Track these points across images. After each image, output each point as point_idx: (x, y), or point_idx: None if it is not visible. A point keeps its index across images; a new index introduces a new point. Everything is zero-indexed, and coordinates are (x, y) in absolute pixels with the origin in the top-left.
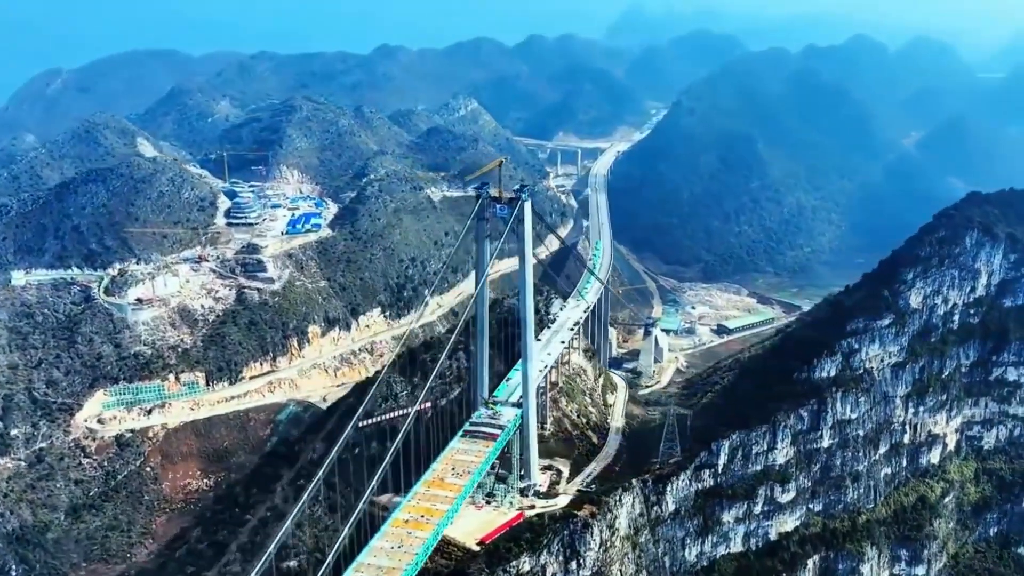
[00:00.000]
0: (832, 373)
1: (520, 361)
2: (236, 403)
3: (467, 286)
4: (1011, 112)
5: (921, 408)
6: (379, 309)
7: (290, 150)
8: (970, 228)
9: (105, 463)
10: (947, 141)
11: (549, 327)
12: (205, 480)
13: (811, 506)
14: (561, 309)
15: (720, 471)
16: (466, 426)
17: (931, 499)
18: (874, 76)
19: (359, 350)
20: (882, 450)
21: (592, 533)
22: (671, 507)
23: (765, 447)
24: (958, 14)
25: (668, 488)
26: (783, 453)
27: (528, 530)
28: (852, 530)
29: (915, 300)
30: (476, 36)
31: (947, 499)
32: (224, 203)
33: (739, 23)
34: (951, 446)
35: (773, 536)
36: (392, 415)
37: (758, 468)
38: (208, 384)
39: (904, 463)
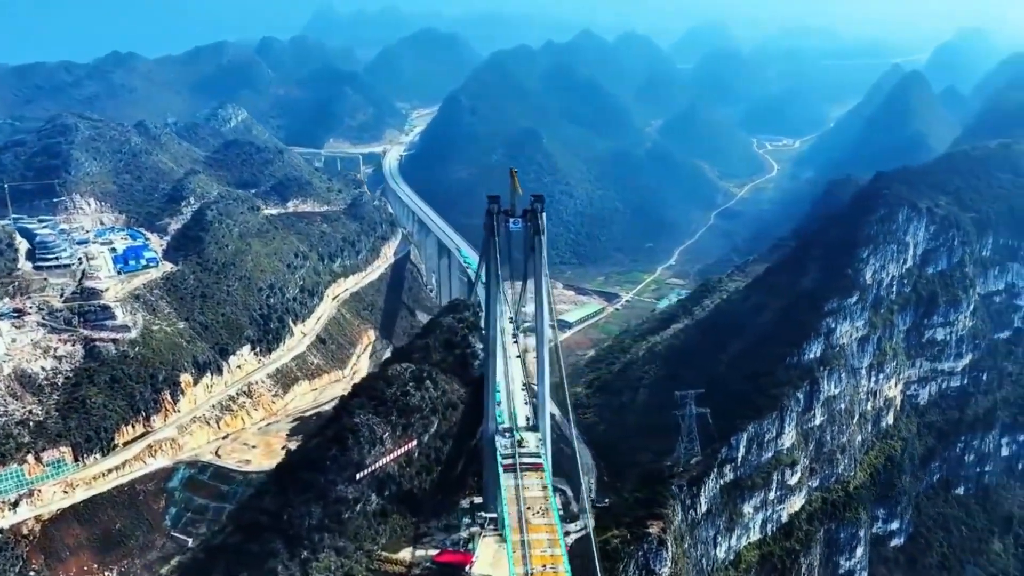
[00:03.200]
0: (818, 354)
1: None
2: (116, 476)
3: (323, 308)
4: (710, 96)
5: (881, 376)
6: (248, 346)
7: (81, 176)
8: (901, 205)
9: None
10: (683, 127)
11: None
12: (107, 574)
13: (811, 483)
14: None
15: (739, 464)
16: (501, 460)
17: (896, 458)
18: (609, 69)
19: (237, 395)
20: (855, 419)
21: (667, 549)
22: (703, 508)
23: (775, 433)
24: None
25: (702, 489)
26: (789, 437)
27: (603, 557)
28: (847, 499)
29: (869, 276)
30: (215, 40)
31: (904, 455)
32: (23, 244)
33: (431, 20)
34: (897, 406)
35: (785, 518)
36: (386, 460)
37: (770, 455)
38: (77, 460)
39: (870, 428)
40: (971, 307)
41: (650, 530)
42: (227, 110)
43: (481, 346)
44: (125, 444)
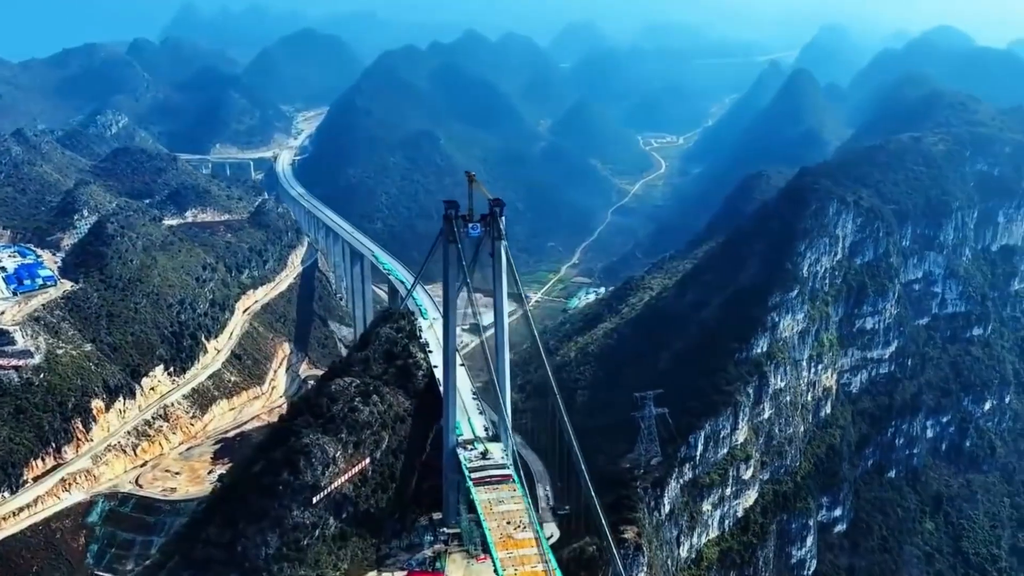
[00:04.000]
0: (765, 348)
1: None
2: (28, 515)
3: (235, 322)
4: (591, 95)
5: (820, 367)
6: (161, 366)
7: None
8: (831, 199)
9: None
10: (572, 126)
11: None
12: None
13: (762, 476)
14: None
15: (697, 462)
16: (469, 474)
17: (836, 446)
18: (495, 69)
19: (153, 419)
20: (798, 411)
21: (643, 554)
22: (667, 508)
23: (730, 429)
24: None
25: (666, 490)
26: (743, 432)
27: (581, 567)
28: (796, 490)
29: (805, 269)
30: (85, 42)
31: (842, 443)
32: None
33: (297, 19)
34: (833, 395)
35: (740, 513)
36: (342, 480)
37: (724, 451)
38: None
39: (811, 419)
40: (896, 296)
41: (625, 536)
42: (107, 116)
43: (422, 356)
44: (36, 479)
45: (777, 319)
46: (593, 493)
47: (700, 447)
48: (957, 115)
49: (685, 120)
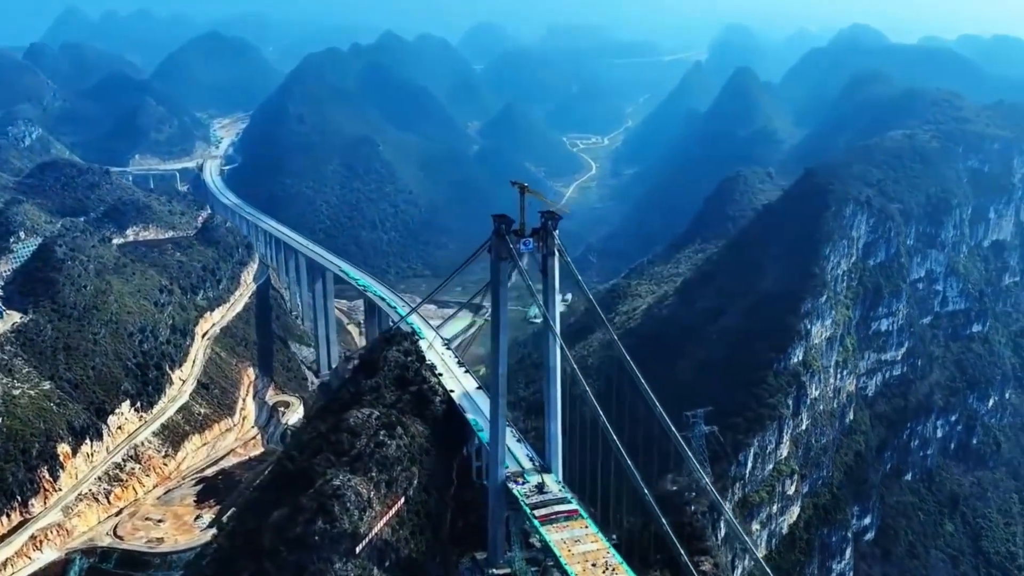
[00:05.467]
0: (801, 357)
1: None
2: None
3: (197, 348)
4: (511, 97)
5: (844, 372)
6: (128, 401)
7: None
8: (847, 200)
9: None
10: (502, 129)
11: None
12: None
13: (803, 489)
14: None
15: (747, 480)
16: (531, 511)
17: (863, 453)
18: (416, 71)
19: (123, 461)
20: (829, 419)
21: None
22: (722, 532)
23: (774, 444)
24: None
25: (720, 517)
26: (786, 446)
27: None
28: (834, 501)
29: (828, 273)
30: None
31: (867, 449)
32: None
33: (187, 22)
34: (855, 401)
35: (786, 530)
36: (381, 524)
37: (771, 466)
38: None
39: (837, 425)
40: (906, 296)
41: (703, 567)
42: (18, 127)
43: (436, 380)
44: (2, 538)
45: (809, 326)
46: (664, 520)
47: (750, 464)
48: (943, 112)
49: (604, 121)
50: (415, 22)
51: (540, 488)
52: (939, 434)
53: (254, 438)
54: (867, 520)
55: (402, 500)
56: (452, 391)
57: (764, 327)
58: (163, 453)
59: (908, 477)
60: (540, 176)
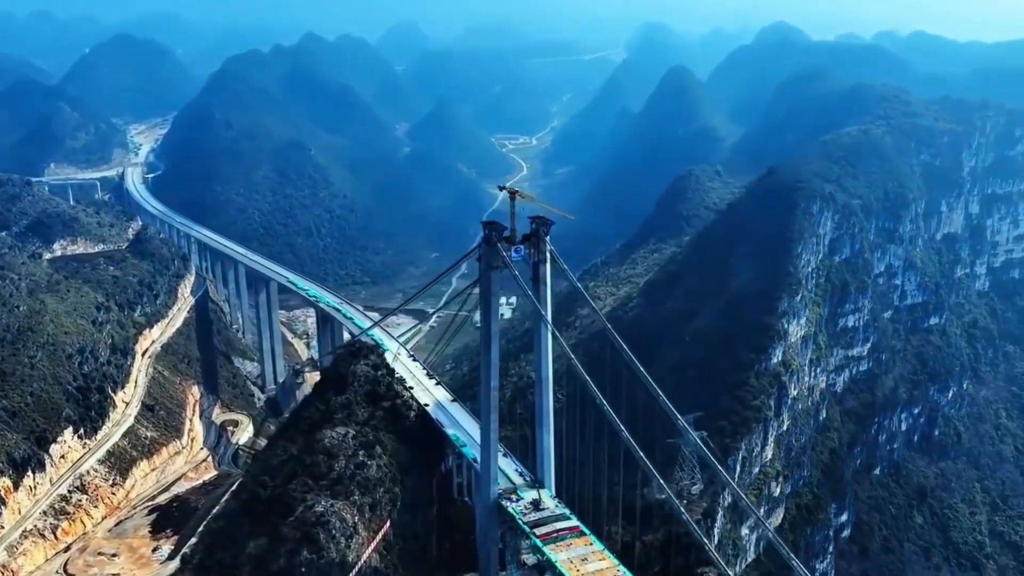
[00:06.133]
0: (780, 357)
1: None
2: None
3: (138, 367)
4: (434, 98)
5: (818, 370)
6: (70, 428)
7: None
8: (815, 197)
9: None
10: (432, 130)
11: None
12: None
13: (786, 490)
14: None
15: (736, 484)
16: (530, 530)
17: (837, 450)
18: (341, 73)
19: (69, 492)
20: (805, 417)
21: None
22: (716, 539)
23: (760, 446)
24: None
25: (716, 521)
26: (771, 448)
27: None
28: (816, 501)
29: (801, 272)
30: None
31: (840, 446)
32: None
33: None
34: (827, 398)
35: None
36: (368, 552)
37: (756, 470)
38: None
39: (811, 423)
40: (870, 291)
41: None
42: None
43: (407, 394)
44: None
45: (787, 325)
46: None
47: (738, 469)
48: (893, 107)
49: (529, 120)
50: (331, 22)
51: (536, 505)
52: (903, 427)
53: (205, 460)
54: (843, 517)
55: (388, 524)
56: (426, 404)
57: (741, 328)
58: (111, 481)
59: (877, 471)
60: (473, 178)
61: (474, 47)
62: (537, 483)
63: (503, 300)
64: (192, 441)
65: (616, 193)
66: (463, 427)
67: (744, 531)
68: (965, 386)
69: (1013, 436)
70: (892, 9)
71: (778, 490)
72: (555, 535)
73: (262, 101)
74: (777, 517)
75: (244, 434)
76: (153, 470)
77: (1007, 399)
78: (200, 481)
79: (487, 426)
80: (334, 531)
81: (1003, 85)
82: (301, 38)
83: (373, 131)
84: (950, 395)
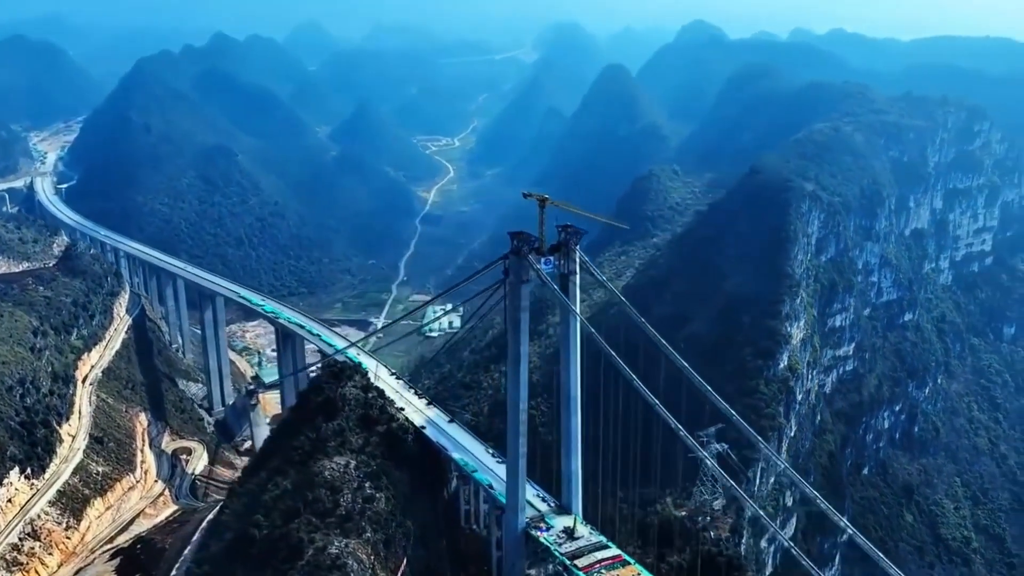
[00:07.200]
0: (786, 362)
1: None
2: None
3: (81, 396)
4: (353, 96)
5: (814, 371)
6: (16, 468)
7: None
8: (804, 197)
9: None
10: (355, 133)
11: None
12: None
13: (796, 498)
14: None
15: (755, 496)
16: (570, 562)
17: (835, 453)
18: (256, 73)
19: (20, 540)
20: (807, 422)
21: None
22: (743, 555)
23: (773, 453)
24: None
25: (743, 538)
26: (784, 456)
27: None
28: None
29: (798, 273)
30: None
31: (837, 448)
32: None
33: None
34: (821, 400)
35: (785, 544)
36: None
37: (772, 479)
38: None
39: (807, 425)
40: (855, 290)
41: None
42: None
43: (402, 417)
44: None
45: (790, 328)
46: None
47: (757, 481)
48: (859, 104)
49: (449, 121)
50: (236, 22)
51: (570, 533)
52: (886, 425)
53: (162, 494)
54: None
55: (404, 562)
56: (422, 427)
57: (741, 333)
58: (64, 525)
59: (866, 471)
60: (401, 180)
61: (384, 47)
62: (562, 509)
63: (441, 310)
64: (146, 474)
65: (558, 194)
66: (468, 450)
67: (763, 544)
68: (940, 381)
69: (986, 428)
70: (802, 6)
71: (791, 499)
72: (598, 567)
73: (179, 104)
74: (791, 527)
75: (199, 462)
76: (108, 508)
77: (977, 392)
78: (161, 518)
79: (515, 451)
80: (352, 574)
81: (937, 80)
82: (211, 38)
83: (295, 134)
84: (927, 391)
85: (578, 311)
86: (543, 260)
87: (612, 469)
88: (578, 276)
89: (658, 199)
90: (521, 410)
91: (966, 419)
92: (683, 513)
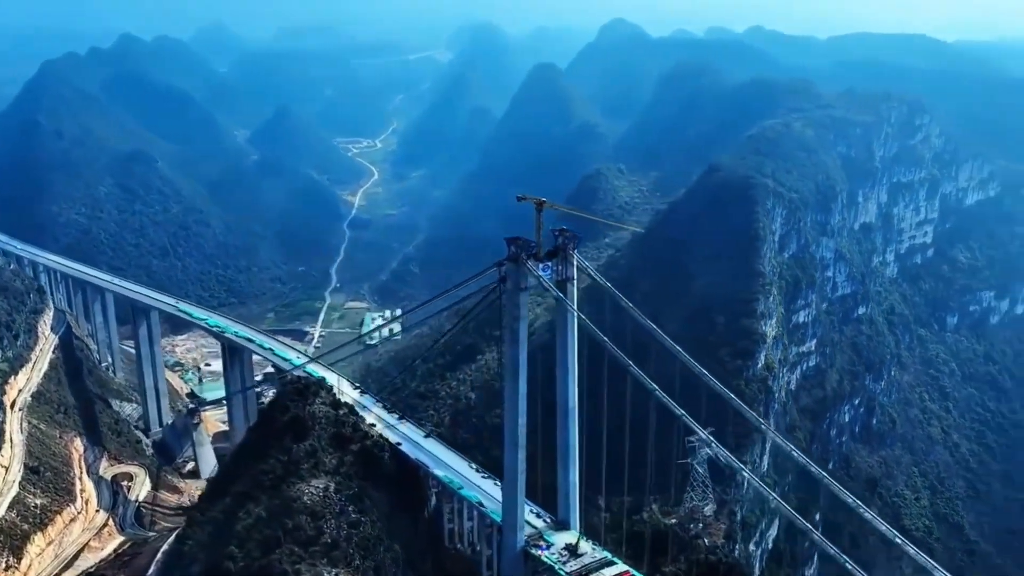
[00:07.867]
0: (763, 362)
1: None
2: None
3: (11, 423)
4: (266, 99)
5: (785, 369)
6: None
7: None
8: (767, 194)
9: None
10: (274, 136)
11: None
12: None
13: (776, 494)
14: None
15: (743, 500)
16: None
17: (806, 450)
18: (166, 75)
19: None
20: (781, 419)
21: None
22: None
23: (759, 457)
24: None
25: (737, 543)
26: (767, 458)
27: None
28: (802, 506)
29: (769, 271)
30: None
31: (807, 445)
32: None
33: None
34: (790, 397)
35: (771, 545)
36: None
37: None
38: None
39: (781, 424)
40: (817, 286)
41: None
42: None
43: (376, 434)
44: None
45: (765, 327)
46: None
47: (745, 483)
48: (807, 100)
49: (367, 123)
50: (136, 20)
51: (573, 551)
52: (847, 419)
53: (105, 524)
54: (816, 517)
55: None
56: (398, 443)
57: (715, 333)
58: (3, 564)
59: (831, 466)
60: (326, 184)
61: (295, 48)
62: (559, 525)
63: (379, 317)
64: (87, 504)
65: (493, 194)
66: (450, 466)
67: (751, 547)
68: (893, 373)
69: (938, 418)
70: (712, 4)
71: (774, 503)
72: None
73: (91, 107)
74: (774, 528)
75: (142, 488)
76: (50, 544)
77: (927, 382)
78: (108, 551)
79: (513, 466)
80: None
81: (868, 76)
82: (118, 39)
83: (213, 138)
84: (883, 384)
85: (576, 321)
86: (541, 266)
87: (595, 476)
88: (575, 283)
89: (607, 198)
90: (520, 424)
91: (919, 409)
92: (673, 521)
